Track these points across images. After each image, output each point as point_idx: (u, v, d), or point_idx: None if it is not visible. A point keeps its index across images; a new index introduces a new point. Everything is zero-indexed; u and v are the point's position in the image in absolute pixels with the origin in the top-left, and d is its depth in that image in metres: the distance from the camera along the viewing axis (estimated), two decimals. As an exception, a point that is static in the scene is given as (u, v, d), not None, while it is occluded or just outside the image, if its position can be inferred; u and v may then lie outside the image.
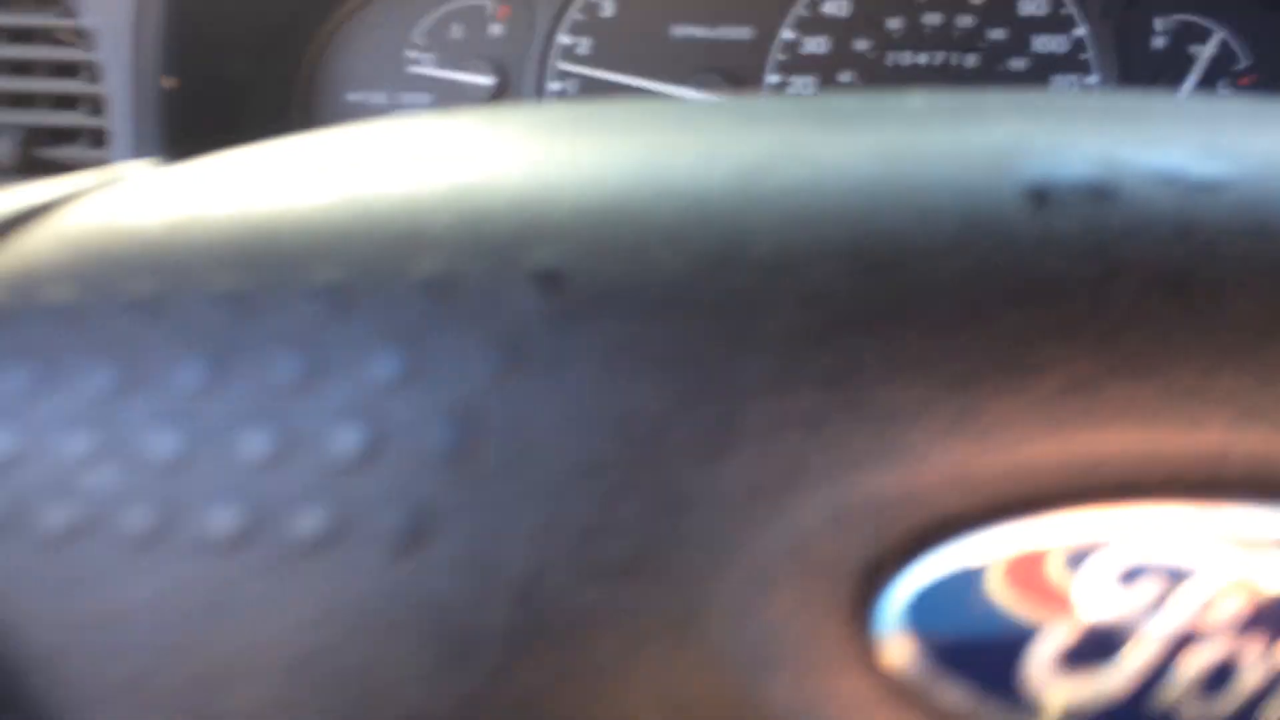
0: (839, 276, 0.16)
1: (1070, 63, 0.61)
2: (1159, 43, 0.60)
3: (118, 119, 0.54)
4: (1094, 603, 0.15)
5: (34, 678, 0.17)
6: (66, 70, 0.55)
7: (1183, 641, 0.15)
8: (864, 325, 0.16)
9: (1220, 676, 0.15)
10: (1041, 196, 0.16)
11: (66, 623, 0.17)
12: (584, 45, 0.65)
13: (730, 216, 0.17)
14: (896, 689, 0.16)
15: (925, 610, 0.15)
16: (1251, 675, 0.15)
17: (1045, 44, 0.61)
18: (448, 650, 0.16)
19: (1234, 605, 0.15)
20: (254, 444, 0.16)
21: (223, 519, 0.16)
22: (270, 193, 0.18)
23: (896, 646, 0.16)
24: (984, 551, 0.15)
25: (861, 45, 0.63)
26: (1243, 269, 0.15)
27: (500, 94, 0.65)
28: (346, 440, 0.16)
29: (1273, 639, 0.15)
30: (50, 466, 0.17)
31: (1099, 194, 0.16)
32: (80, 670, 0.17)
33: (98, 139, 0.55)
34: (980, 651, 0.15)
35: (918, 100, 0.20)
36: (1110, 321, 0.15)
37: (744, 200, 0.17)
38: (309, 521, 0.16)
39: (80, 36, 0.55)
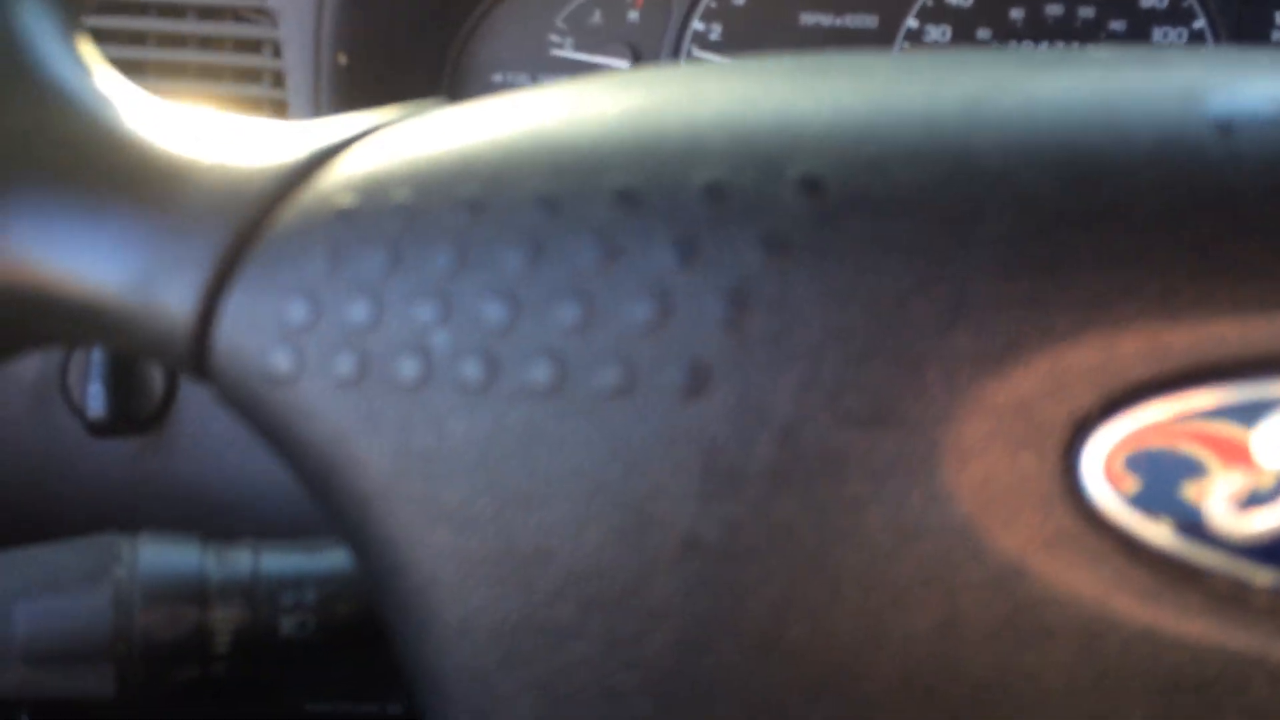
0: (1052, 185, 0.19)
1: (1190, 53, 0.63)
2: (1278, 36, 0.62)
3: (295, 93, 0.59)
4: (1267, 452, 0.18)
5: (375, 507, 0.21)
6: (250, 46, 0.61)
7: (1340, 488, 0.18)
8: (1074, 224, 0.19)
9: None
10: (1228, 126, 0.19)
11: (409, 456, 0.21)
12: (716, 31, 0.68)
13: (959, 136, 0.20)
14: (1098, 524, 0.19)
15: (1123, 458, 0.19)
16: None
17: (1165, 35, 0.63)
18: (718, 483, 0.20)
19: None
20: (564, 313, 0.20)
21: (539, 373, 0.20)
22: (563, 117, 0.22)
23: (1097, 489, 0.19)
24: (1173, 409, 0.19)
25: (983, 34, 0.66)
26: None
27: (635, 77, 0.69)
28: (638, 311, 0.20)
29: None
30: (400, 329, 0.21)
31: (1278, 124, 0.19)
32: (415, 496, 0.21)
33: (279, 110, 0.60)
34: (1169, 492, 0.19)
35: (1104, 51, 0.23)
36: None
37: (969, 124, 0.20)
38: (608, 376, 0.20)
39: (264, 15, 0.60)
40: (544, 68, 0.70)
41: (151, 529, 0.38)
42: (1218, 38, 0.63)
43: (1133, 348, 0.19)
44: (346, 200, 0.22)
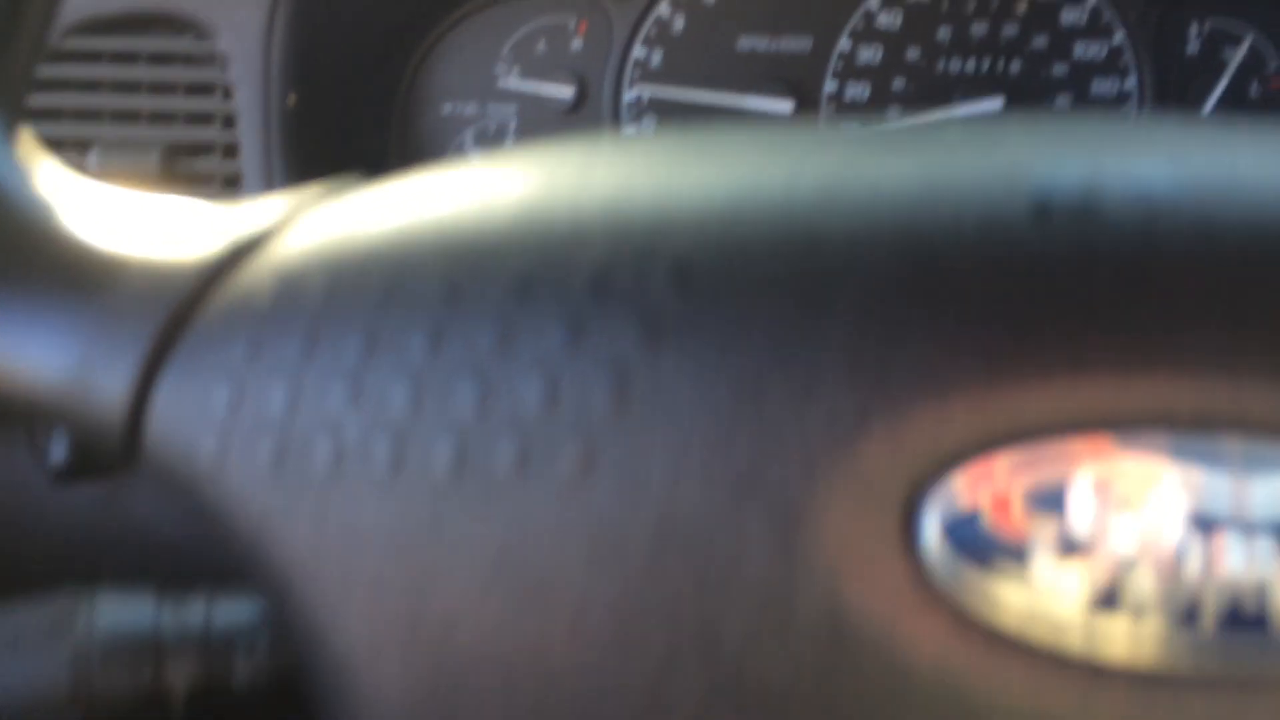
0: (890, 269, 0.22)
1: (1109, 68, 0.65)
2: (1193, 48, 0.65)
3: (246, 133, 0.61)
4: (1079, 508, 0.21)
5: (295, 585, 0.23)
6: (202, 90, 0.62)
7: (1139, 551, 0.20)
8: (910, 305, 0.21)
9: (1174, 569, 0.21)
10: (1045, 208, 0.22)
11: (325, 537, 0.23)
12: (656, 58, 0.71)
13: (811, 223, 0.22)
14: (928, 582, 0.21)
15: (954, 516, 0.21)
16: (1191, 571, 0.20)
17: (1085, 50, 0.66)
18: (606, 552, 0.22)
19: (1173, 531, 0.20)
20: (464, 395, 0.22)
21: (441, 454, 0.22)
22: (462, 205, 0.24)
23: (931, 547, 0.21)
24: (992, 469, 0.21)
25: (913, 55, 0.68)
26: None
27: (580, 104, 0.71)
28: (531, 392, 0.22)
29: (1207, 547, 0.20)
30: (314, 415, 0.23)
31: (1086, 208, 0.21)
32: (332, 573, 0.23)
33: (230, 152, 0.62)
34: (993, 551, 0.21)
35: (952, 131, 0.25)
36: (1095, 300, 0.21)
37: (821, 211, 0.22)
38: (504, 456, 0.22)
39: (214, 59, 0.62)
40: (491, 97, 0.72)
41: (112, 578, 0.40)
42: (1137, 52, 0.65)
43: (960, 412, 0.21)
44: (266, 290, 0.24)
